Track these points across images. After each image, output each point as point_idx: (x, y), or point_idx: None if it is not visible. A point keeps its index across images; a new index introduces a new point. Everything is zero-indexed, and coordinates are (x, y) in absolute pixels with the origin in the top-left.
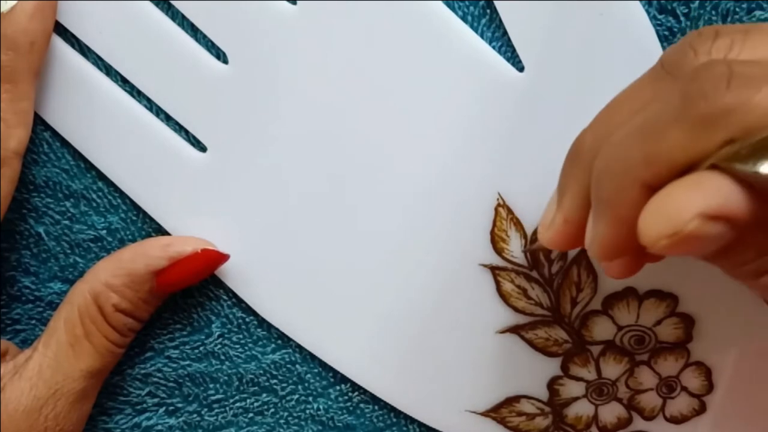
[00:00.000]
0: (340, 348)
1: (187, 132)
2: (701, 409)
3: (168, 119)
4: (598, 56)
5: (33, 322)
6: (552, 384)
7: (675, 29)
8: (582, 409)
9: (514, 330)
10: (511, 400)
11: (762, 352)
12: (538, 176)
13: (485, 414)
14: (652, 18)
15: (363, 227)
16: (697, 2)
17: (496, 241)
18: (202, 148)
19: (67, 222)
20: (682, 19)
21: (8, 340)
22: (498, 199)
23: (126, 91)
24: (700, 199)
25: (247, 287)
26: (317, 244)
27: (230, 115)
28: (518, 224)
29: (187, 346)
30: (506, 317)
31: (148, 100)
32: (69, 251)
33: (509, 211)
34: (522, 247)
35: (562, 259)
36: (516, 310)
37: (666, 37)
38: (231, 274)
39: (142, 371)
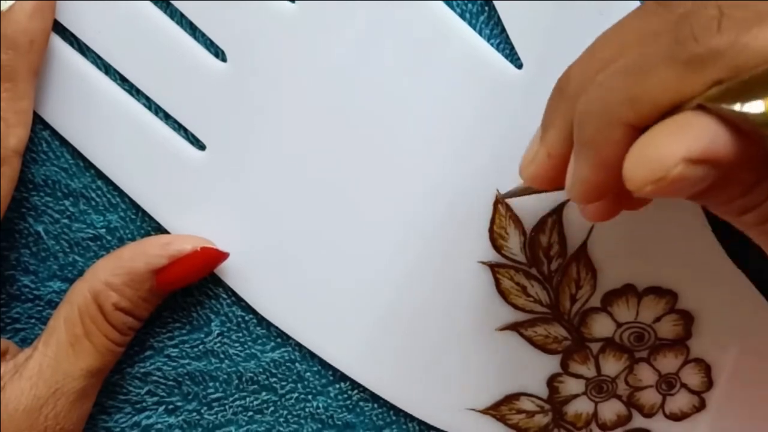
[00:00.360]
0: (339, 346)
1: (185, 130)
2: (701, 406)
3: (167, 118)
4: None
5: (32, 321)
6: (552, 381)
7: None
8: (582, 406)
9: (514, 327)
10: (510, 398)
11: (761, 349)
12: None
13: (485, 412)
14: None
15: (362, 225)
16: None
17: (495, 238)
18: (201, 147)
19: (66, 221)
20: None
21: (8, 339)
22: (497, 196)
23: (125, 89)
24: (685, 142)
25: (246, 285)
26: (316, 242)
27: (229, 114)
28: (517, 221)
29: (187, 345)
30: (505, 314)
31: (147, 98)
32: (68, 250)
33: (508, 207)
34: (521, 244)
35: (561, 256)
36: (515, 307)
37: None
38: (230, 273)
39: (142, 370)
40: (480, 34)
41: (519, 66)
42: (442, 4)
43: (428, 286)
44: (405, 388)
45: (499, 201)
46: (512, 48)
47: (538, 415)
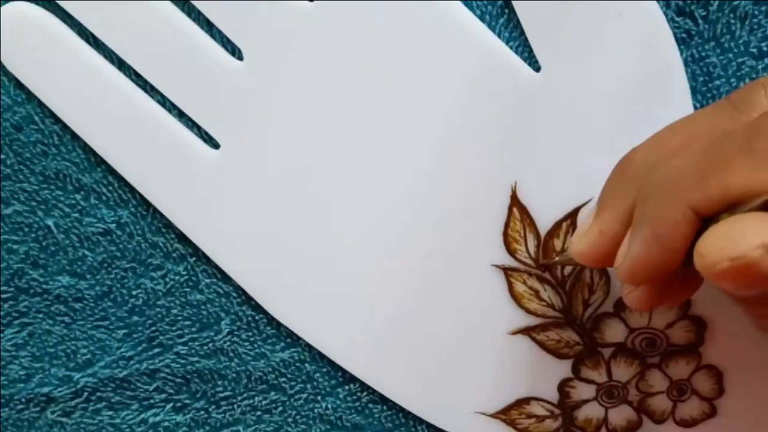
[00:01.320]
0: (349, 348)
1: (200, 128)
2: (711, 413)
3: (181, 116)
4: (614, 57)
5: (40, 315)
6: (562, 386)
7: (693, 32)
8: (592, 411)
9: (526, 331)
10: (521, 402)
11: None
12: (553, 177)
13: (495, 416)
14: (670, 20)
15: (376, 226)
16: (716, 5)
17: (510, 242)
18: (215, 145)
19: (76, 215)
20: (700, 21)
21: (15, 333)
22: (512, 200)
23: (139, 86)
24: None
25: (256, 285)
26: (329, 243)
27: (244, 112)
28: (532, 225)
29: (196, 343)
30: (518, 319)
31: (162, 96)
32: (78, 244)
33: (523, 211)
34: (535, 247)
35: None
36: (528, 311)
37: (684, 40)
38: (240, 272)
39: (151, 367)
40: (499, 36)
41: (537, 69)
42: (462, 5)
43: (440, 289)
44: (414, 391)
45: (515, 205)
46: (531, 51)
47: (548, 419)
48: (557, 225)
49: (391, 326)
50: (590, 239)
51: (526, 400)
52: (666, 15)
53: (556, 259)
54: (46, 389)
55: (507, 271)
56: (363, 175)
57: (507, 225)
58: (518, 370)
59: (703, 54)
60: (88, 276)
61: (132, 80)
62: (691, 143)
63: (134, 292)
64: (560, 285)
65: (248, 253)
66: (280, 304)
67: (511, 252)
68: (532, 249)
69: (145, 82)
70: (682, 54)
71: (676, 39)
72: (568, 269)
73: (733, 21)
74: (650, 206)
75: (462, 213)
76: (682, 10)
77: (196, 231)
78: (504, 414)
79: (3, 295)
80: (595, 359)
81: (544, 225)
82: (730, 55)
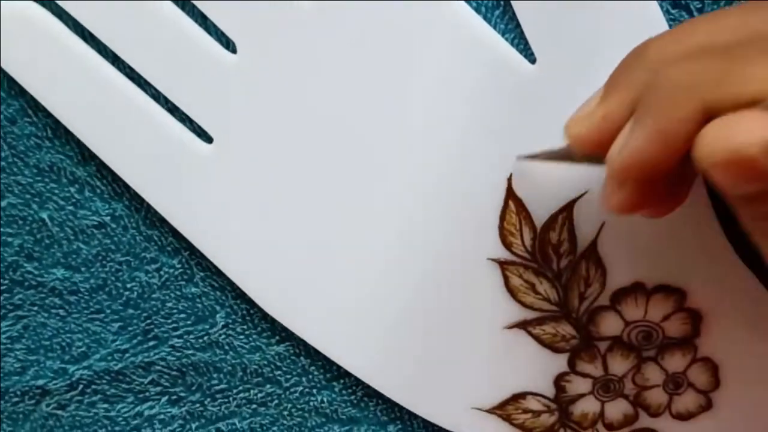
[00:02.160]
0: (343, 343)
1: (192, 122)
2: (708, 406)
3: (174, 110)
4: (610, 49)
5: (35, 308)
6: (559, 380)
7: None
8: (588, 406)
9: (522, 325)
10: (517, 397)
11: None
12: (548, 170)
13: (491, 411)
14: (666, 12)
15: (370, 221)
16: None
17: (505, 235)
18: (209, 139)
19: (71, 208)
20: (695, 14)
21: (9, 326)
22: (507, 193)
23: (132, 79)
24: None
25: (249, 280)
26: (322, 238)
27: (237, 106)
28: (528, 218)
29: (191, 336)
30: (514, 312)
31: (154, 89)
32: (73, 237)
33: (519, 204)
34: (531, 241)
35: (571, 254)
36: (524, 305)
37: None
38: (233, 267)
39: (146, 360)
40: (495, 28)
41: (533, 61)
42: None
43: (435, 283)
44: (410, 387)
45: (510, 198)
46: (526, 43)
47: (544, 414)
48: (553, 218)
49: (385, 321)
50: (591, 123)
51: (522, 395)
52: (661, 7)
53: (540, 152)
54: (41, 382)
55: (503, 264)
56: (357, 169)
57: (502, 218)
58: (514, 364)
59: None
60: (83, 269)
61: (125, 74)
62: (714, 39)
63: (129, 285)
64: (556, 278)
65: (241, 249)
66: (273, 300)
67: (507, 245)
68: (528, 242)
69: (138, 75)
70: None
71: None
72: (564, 262)
73: None
74: (659, 99)
75: (457, 206)
76: (677, 2)
77: (188, 226)
78: (500, 409)
79: None
80: (591, 353)
81: (540, 218)
82: None
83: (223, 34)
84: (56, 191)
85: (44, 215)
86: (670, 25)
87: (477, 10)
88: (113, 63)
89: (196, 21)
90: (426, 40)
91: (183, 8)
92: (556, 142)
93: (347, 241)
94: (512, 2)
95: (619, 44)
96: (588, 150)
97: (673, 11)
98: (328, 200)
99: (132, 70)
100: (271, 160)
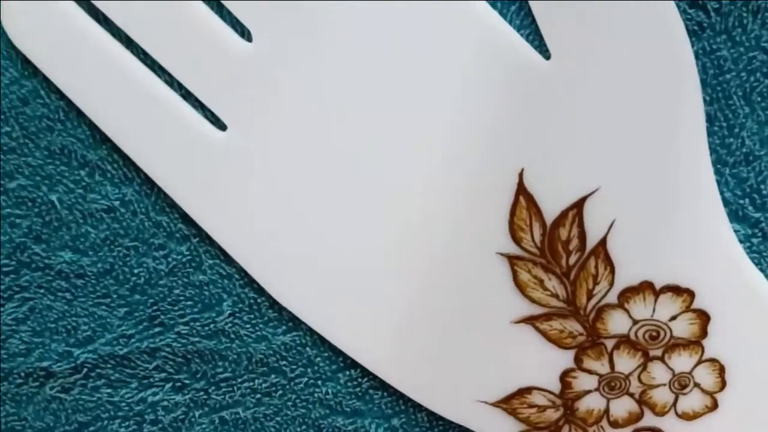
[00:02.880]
0: (351, 333)
1: (207, 110)
2: (713, 407)
3: (188, 95)
4: (625, 47)
5: (41, 290)
6: (564, 377)
7: (705, 24)
8: (593, 402)
9: (529, 321)
10: (522, 392)
11: None
12: (561, 165)
13: (496, 405)
14: (682, 12)
15: (380, 212)
16: None
17: (515, 230)
18: (222, 127)
19: (80, 191)
20: (712, 14)
21: (15, 308)
22: (518, 187)
23: (146, 65)
24: None
25: (260, 268)
26: (333, 228)
27: (252, 95)
28: (538, 214)
29: (198, 323)
30: (521, 307)
31: (169, 75)
32: (81, 221)
33: (530, 199)
34: (540, 236)
35: (580, 251)
36: (532, 300)
37: (695, 32)
38: (244, 254)
39: (151, 345)
40: (510, 23)
41: (547, 57)
42: None
43: (444, 276)
44: (416, 378)
45: (521, 192)
46: (541, 39)
47: (549, 410)
48: (563, 214)
49: (393, 313)
50: None
51: (528, 390)
52: (678, 6)
53: None
54: (45, 363)
55: (512, 259)
56: (370, 161)
57: (512, 213)
58: (520, 359)
59: (714, 47)
60: (91, 253)
61: (139, 58)
62: None
63: (136, 271)
64: (565, 275)
65: (251, 237)
66: (283, 287)
67: (517, 240)
68: (537, 238)
69: (152, 60)
70: (693, 46)
71: (688, 31)
72: (573, 258)
73: (745, 14)
74: None
75: (468, 200)
76: (694, 1)
77: (199, 212)
78: (505, 403)
79: (4, 269)
80: (597, 350)
81: (550, 214)
82: (741, 49)
83: (238, 21)
84: (66, 174)
85: (53, 197)
86: (686, 25)
87: (492, 4)
88: (127, 47)
89: (212, 8)
90: (440, 34)
91: None
92: (568, 136)
93: (357, 232)
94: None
95: (634, 43)
96: None
97: (690, 11)
98: (339, 191)
99: (146, 54)
100: (285, 148)
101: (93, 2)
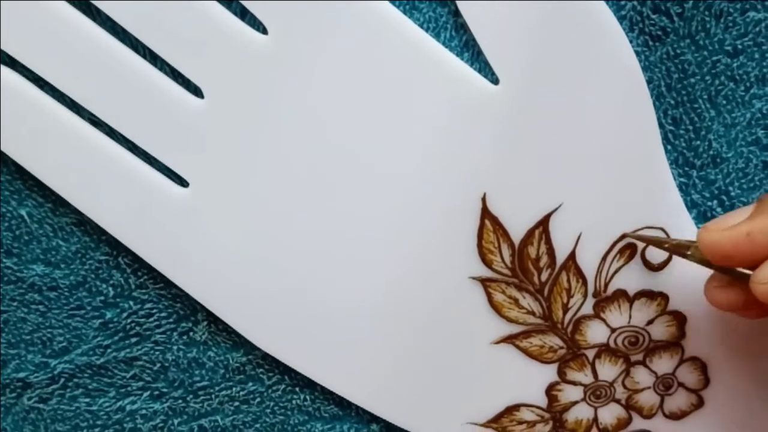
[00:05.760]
0: (333, 371)
1: (168, 169)
2: (699, 404)
3: (147, 158)
4: (570, 63)
5: (15, 303)
6: (550, 390)
7: (668, 29)
8: (581, 412)
9: (509, 340)
10: (510, 409)
11: (753, 344)
12: (522, 186)
13: (486, 425)
14: (646, 17)
15: (350, 250)
16: (691, 2)
17: (485, 253)
18: (184, 184)
19: (50, 205)
20: (675, 19)
21: None
22: (482, 211)
23: (102, 131)
24: None
25: (233, 314)
26: (303, 269)
27: (210, 150)
28: (505, 235)
29: (174, 333)
30: (500, 328)
31: (126, 139)
32: (52, 234)
33: (495, 222)
34: (510, 257)
35: (551, 267)
36: (509, 320)
37: (659, 37)
38: (217, 305)
39: (128, 355)
40: (449, 48)
41: (495, 82)
42: (415, 26)
43: (420, 304)
44: (403, 406)
45: (486, 216)
46: (486, 63)
47: (539, 424)
48: (530, 233)
49: (374, 343)
50: (732, 236)
51: (516, 407)
52: (641, 12)
53: (651, 237)
54: (22, 374)
55: (485, 282)
56: (333, 200)
57: (480, 237)
58: (505, 378)
59: (678, 51)
60: (62, 265)
61: (93, 126)
62: None
63: (109, 283)
64: (539, 291)
65: (223, 287)
66: (263, 334)
67: (487, 263)
68: (507, 259)
69: (108, 126)
70: (657, 51)
71: (651, 36)
72: (545, 275)
73: (708, 18)
74: None
75: (435, 228)
76: (657, 7)
77: (168, 268)
78: (495, 422)
79: None
80: (579, 361)
81: (517, 234)
82: (705, 53)
83: (188, 80)
84: (35, 188)
85: (23, 212)
86: (650, 31)
87: (436, 36)
88: (78, 113)
89: (162, 69)
90: (386, 70)
91: (145, 57)
92: (525, 157)
93: (329, 267)
94: (467, 20)
95: (579, 59)
96: (718, 260)
97: (653, 16)
98: (306, 232)
99: (100, 121)
100: (248, 198)
101: (41, 75)
